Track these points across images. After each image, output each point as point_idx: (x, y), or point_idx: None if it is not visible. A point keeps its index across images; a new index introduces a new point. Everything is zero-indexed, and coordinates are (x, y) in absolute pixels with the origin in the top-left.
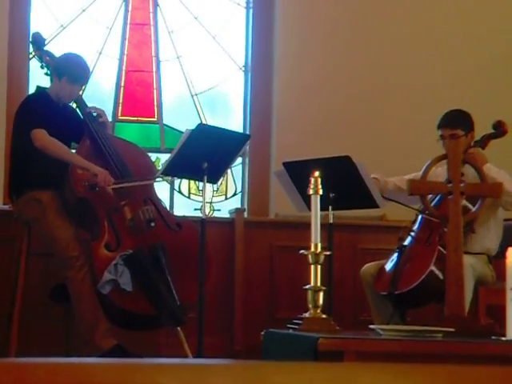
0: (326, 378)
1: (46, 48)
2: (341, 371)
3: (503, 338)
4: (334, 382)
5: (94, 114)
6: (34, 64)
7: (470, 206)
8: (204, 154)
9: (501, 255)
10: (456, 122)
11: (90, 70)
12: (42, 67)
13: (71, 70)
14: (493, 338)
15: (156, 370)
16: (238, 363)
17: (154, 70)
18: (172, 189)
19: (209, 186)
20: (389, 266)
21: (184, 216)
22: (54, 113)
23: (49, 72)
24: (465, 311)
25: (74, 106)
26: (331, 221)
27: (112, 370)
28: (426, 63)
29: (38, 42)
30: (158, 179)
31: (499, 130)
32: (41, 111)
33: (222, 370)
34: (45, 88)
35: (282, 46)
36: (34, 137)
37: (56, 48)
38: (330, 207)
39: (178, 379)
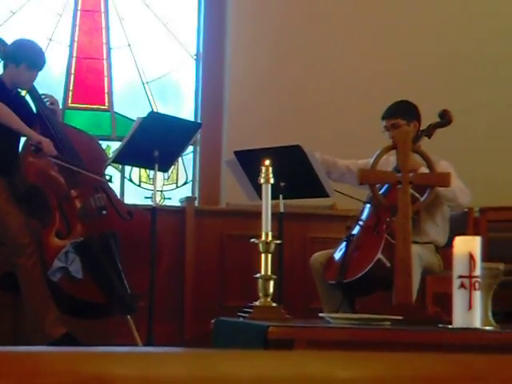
0: (276, 366)
1: None
2: (291, 359)
3: (450, 326)
4: (284, 370)
5: (46, 101)
6: None
7: (417, 195)
8: (155, 142)
9: (448, 245)
10: (396, 111)
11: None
12: None
13: (30, 57)
14: (440, 325)
15: (107, 359)
16: (188, 351)
17: (105, 57)
18: (122, 177)
19: (160, 174)
20: (337, 254)
21: (135, 204)
22: (8, 100)
23: (3, 58)
24: (413, 299)
25: (24, 92)
26: (282, 210)
27: (62, 358)
28: (377, 53)
29: None
30: (104, 176)
31: (445, 119)
32: None
33: (172, 357)
34: None
35: (234, 34)
36: None
37: (6, 34)
38: (281, 196)
39: (128, 367)
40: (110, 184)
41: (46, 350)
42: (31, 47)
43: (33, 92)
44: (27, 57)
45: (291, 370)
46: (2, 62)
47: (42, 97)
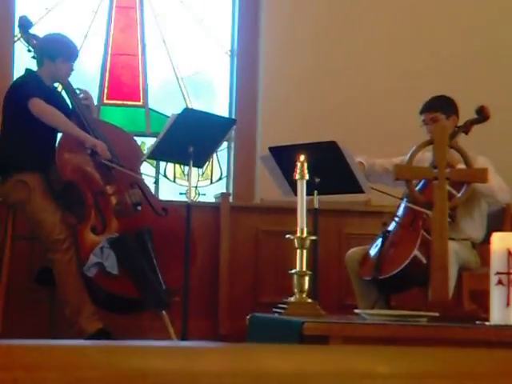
0: (316, 360)
1: (32, 31)
2: (332, 353)
3: (487, 323)
4: (324, 364)
5: (80, 97)
6: (19, 47)
7: (454, 191)
8: (190, 139)
9: (485, 241)
10: (435, 105)
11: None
12: (28, 51)
13: (64, 50)
14: (477, 322)
15: (148, 353)
16: (229, 346)
17: (140, 53)
18: (157, 173)
19: (194, 170)
20: (373, 251)
21: (170, 200)
22: (46, 93)
23: (36, 55)
24: (449, 296)
25: (60, 88)
26: (317, 206)
27: (104, 352)
28: (413, 49)
29: (25, 25)
30: (143, 175)
31: (482, 115)
32: (35, 87)
33: (213, 352)
34: (34, 71)
35: (269, 31)
36: (32, 106)
37: (42, 31)
38: (316, 192)
39: (170, 361)
40: (152, 185)
41: (89, 344)
42: (62, 40)
43: (68, 87)
44: (61, 50)
45: (331, 365)
46: (37, 58)
47: (77, 92)
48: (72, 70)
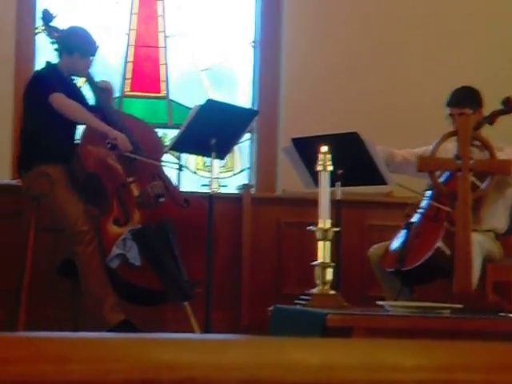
0: (342, 353)
1: (54, 24)
2: (357, 347)
3: (510, 315)
4: (350, 358)
5: (101, 85)
6: (41, 39)
7: (478, 182)
8: (212, 130)
9: (509, 232)
10: (464, 101)
11: (96, 42)
12: (52, 43)
13: (81, 45)
14: (501, 314)
15: (175, 345)
16: (255, 338)
17: (162, 45)
18: (180, 166)
19: (216, 161)
20: (396, 242)
21: (191, 192)
22: (66, 87)
23: (58, 47)
24: (473, 288)
25: (83, 80)
26: (339, 197)
27: (130, 344)
28: (438, 39)
29: (47, 17)
30: (167, 163)
31: (507, 106)
32: (56, 80)
33: (240, 344)
34: (55, 64)
35: (292, 22)
36: (54, 101)
37: (64, 23)
38: (338, 183)
39: (197, 354)
40: (177, 171)
41: (115, 337)
42: (81, 35)
43: (90, 80)
44: (79, 45)
45: (358, 358)
46: (57, 51)
47: (99, 83)
48: (90, 65)
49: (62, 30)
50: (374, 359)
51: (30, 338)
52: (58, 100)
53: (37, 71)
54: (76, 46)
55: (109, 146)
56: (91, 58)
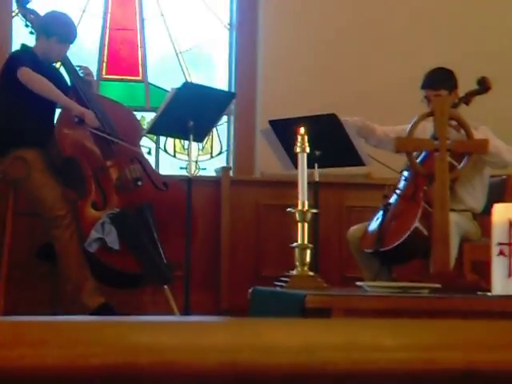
0: (321, 334)
1: (29, 6)
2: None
3: (489, 294)
4: (329, 338)
5: (80, 73)
6: (18, 23)
7: (455, 162)
8: (189, 113)
9: (486, 212)
10: (439, 82)
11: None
12: (26, 26)
13: (61, 30)
14: (478, 293)
15: (154, 328)
16: (234, 320)
17: (138, 28)
18: (157, 148)
19: (194, 144)
20: (374, 224)
21: (170, 175)
22: (41, 71)
23: (33, 31)
24: (450, 267)
25: (59, 64)
26: (317, 179)
27: (108, 327)
28: (413, 19)
29: (22, 0)
30: (141, 146)
31: (483, 86)
32: (28, 61)
33: (219, 327)
34: (30, 47)
35: (268, 3)
36: (20, 74)
37: (39, 6)
38: (316, 165)
39: (176, 337)
40: (146, 156)
41: (93, 320)
42: (63, 20)
43: (67, 64)
44: (58, 30)
45: (338, 338)
46: (35, 33)
47: (77, 68)
48: (65, 51)
49: (44, 14)
50: (354, 339)
51: (7, 323)
52: (25, 74)
53: (11, 53)
54: (55, 30)
55: (76, 120)
56: (68, 44)
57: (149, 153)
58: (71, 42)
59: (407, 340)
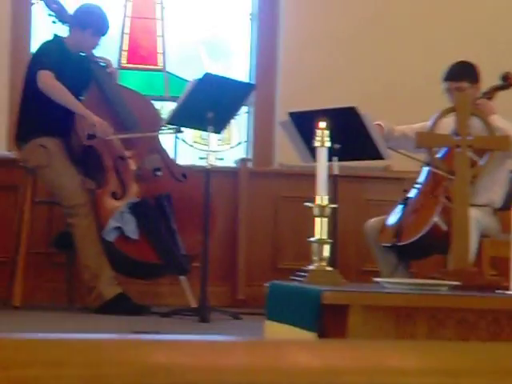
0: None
1: None
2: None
3: (508, 292)
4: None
5: (102, 64)
6: (37, 10)
7: (476, 158)
8: (209, 104)
9: (506, 207)
10: (461, 74)
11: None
12: (49, 15)
13: (96, 23)
14: (498, 291)
15: (173, 348)
16: (257, 341)
17: (159, 17)
18: (176, 138)
19: (213, 135)
20: (393, 218)
21: (189, 165)
22: (69, 61)
23: (56, 20)
24: (470, 265)
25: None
26: (336, 172)
27: (128, 346)
28: (435, 12)
29: None
30: (162, 130)
31: (507, 81)
32: (54, 56)
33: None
34: (62, 37)
35: None
36: (39, 77)
37: None
38: (336, 158)
39: (195, 357)
40: (178, 134)
41: (110, 339)
42: (98, 13)
43: (89, 55)
44: (94, 22)
45: (362, 361)
46: (68, 25)
47: (98, 59)
48: (97, 44)
49: (79, 6)
50: (378, 362)
51: (23, 341)
52: (43, 78)
53: (42, 44)
54: (91, 21)
55: (87, 136)
56: (101, 37)
57: (178, 131)
58: (104, 35)
59: (432, 364)
